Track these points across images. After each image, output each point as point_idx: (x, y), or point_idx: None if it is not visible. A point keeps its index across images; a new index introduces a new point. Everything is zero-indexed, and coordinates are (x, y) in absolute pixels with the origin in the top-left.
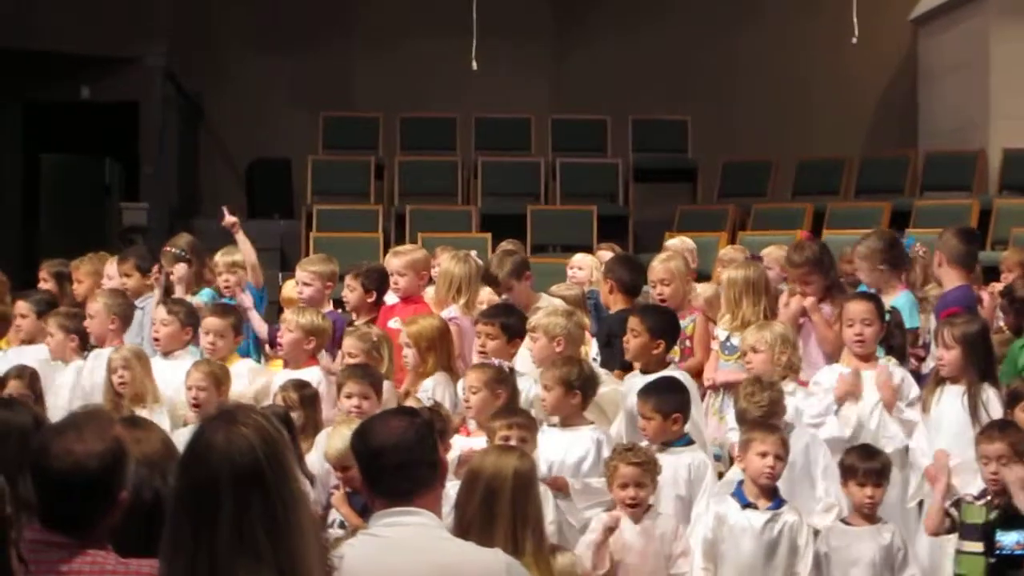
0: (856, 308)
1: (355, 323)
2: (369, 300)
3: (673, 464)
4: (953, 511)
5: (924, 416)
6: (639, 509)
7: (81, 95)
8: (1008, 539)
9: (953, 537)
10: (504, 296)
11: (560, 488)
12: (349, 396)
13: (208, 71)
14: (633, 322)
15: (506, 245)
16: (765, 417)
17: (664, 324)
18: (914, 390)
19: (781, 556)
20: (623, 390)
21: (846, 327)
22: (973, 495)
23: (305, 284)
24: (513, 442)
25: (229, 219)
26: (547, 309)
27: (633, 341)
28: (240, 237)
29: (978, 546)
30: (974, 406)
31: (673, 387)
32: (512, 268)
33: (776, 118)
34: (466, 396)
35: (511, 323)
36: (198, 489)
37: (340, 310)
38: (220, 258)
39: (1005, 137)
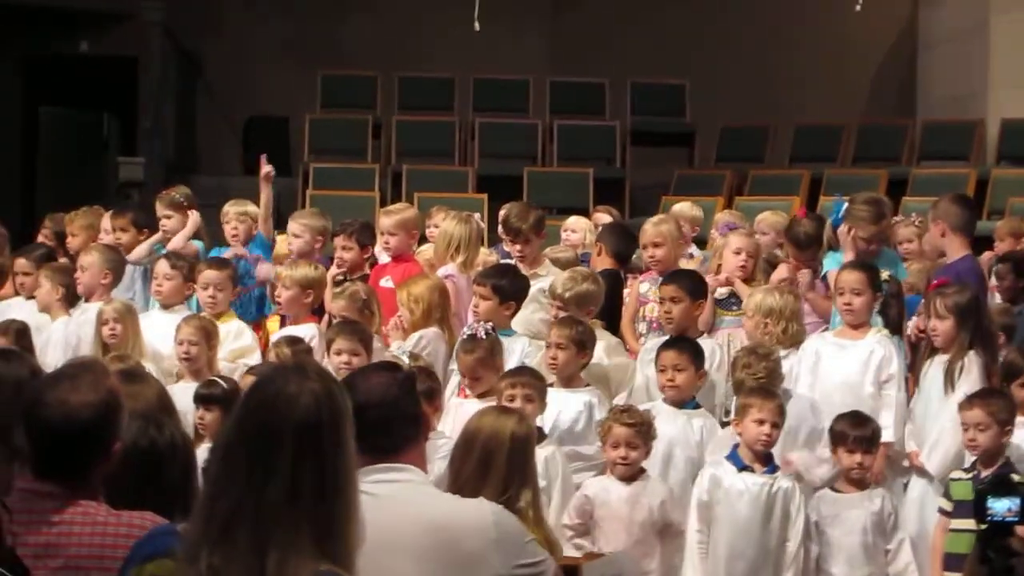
0: (846, 277)
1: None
2: (365, 256)
3: (684, 426)
4: (945, 503)
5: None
6: (629, 469)
7: (80, 49)
8: (999, 505)
9: (939, 502)
10: (519, 249)
11: None
12: (339, 353)
13: (207, 27)
14: (669, 290)
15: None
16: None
17: (700, 285)
18: (894, 366)
19: (776, 520)
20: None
21: (836, 295)
22: (962, 469)
23: (295, 236)
24: (518, 402)
25: (266, 168)
26: (572, 277)
27: (676, 308)
28: (266, 188)
29: (970, 523)
30: (950, 375)
31: (699, 346)
32: (536, 221)
33: (775, 84)
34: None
35: (504, 285)
36: (260, 434)
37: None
38: (231, 207)
39: (1004, 107)
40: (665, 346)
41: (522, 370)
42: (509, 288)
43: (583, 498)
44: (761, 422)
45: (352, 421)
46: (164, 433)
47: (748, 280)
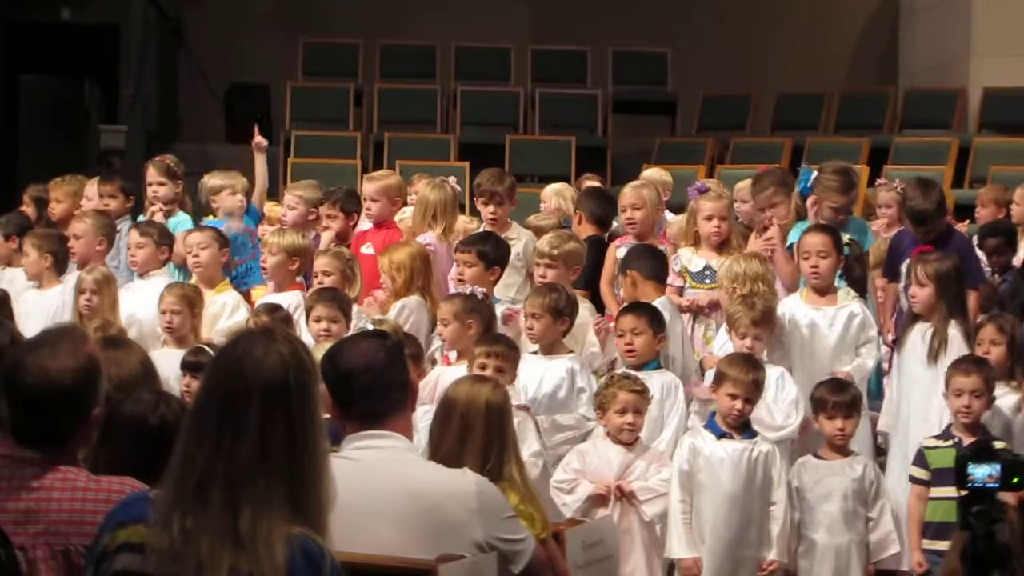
0: (811, 240)
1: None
2: (351, 224)
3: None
4: (920, 471)
5: (896, 353)
6: (634, 435)
7: (61, 16)
8: (980, 472)
9: (912, 471)
10: (492, 210)
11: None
12: (318, 320)
13: None
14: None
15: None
16: (759, 319)
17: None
18: (871, 331)
19: (758, 484)
20: None
21: (802, 259)
22: (935, 437)
23: (290, 207)
24: (489, 371)
25: (259, 139)
26: (558, 236)
27: (638, 340)
28: (260, 159)
29: (951, 490)
30: (937, 345)
31: (658, 310)
32: (510, 185)
33: (757, 52)
34: (439, 329)
35: (488, 251)
36: (228, 397)
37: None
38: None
39: (986, 75)
40: (623, 311)
41: (497, 338)
42: (492, 253)
43: (576, 455)
44: (734, 396)
45: (317, 382)
46: (172, 407)
47: (724, 245)
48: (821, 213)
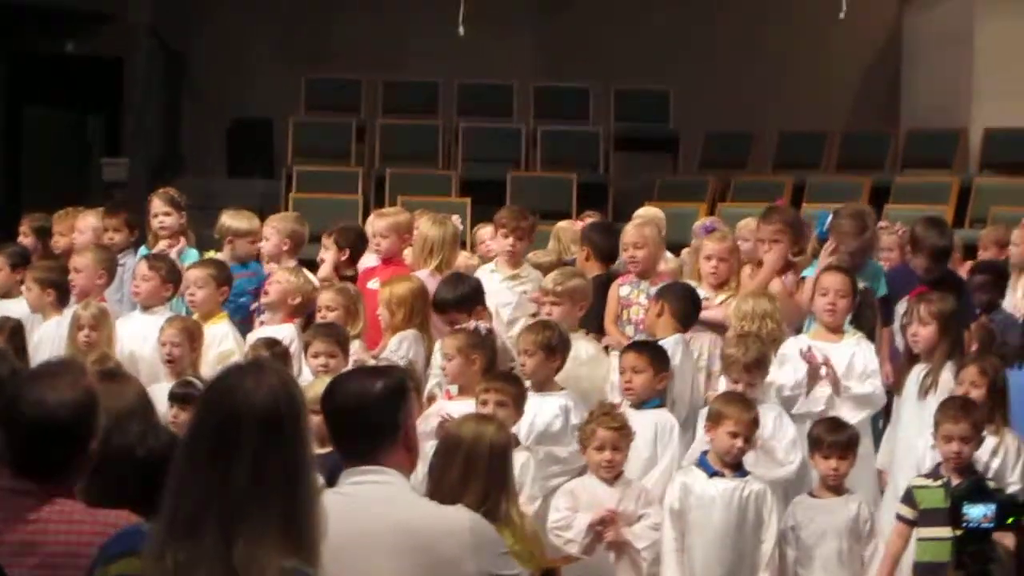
0: (831, 280)
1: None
2: (343, 258)
3: (641, 423)
4: (907, 510)
5: (896, 395)
6: (613, 471)
7: (65, 49)
8: (975, 512)
9: (898, 508)
10: (512, 243)
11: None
12: (316, 355)
13: (193, 29)
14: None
15: None
16: (752, 364)
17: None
18: (872, 364)
19: (749, 524)
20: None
21: (819, 296)
22: (923, 476)
23: (265, 238)
24: (489, 407)
25: None
26: (563, 273)
27: (638, 378)
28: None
29: (942, 531)
30: (929, 384)
31: (663, 349)
32: (533, 224)
33: (759, 91)
34: (442, 363)
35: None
36: (220, 429)
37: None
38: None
39: (987, 116)
40: (627, 348)
41: (500, 375)
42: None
43: (568, 494)
44: (735, 435)
45: (307, 415)
46: (161, 438)
47: (723, 284)
48: (838, 257)
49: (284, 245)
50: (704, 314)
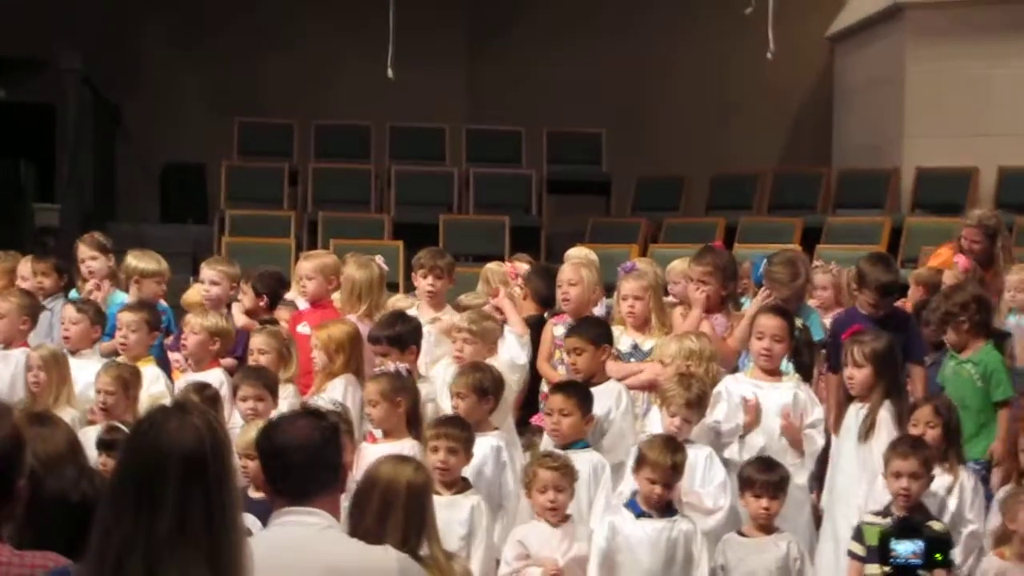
0: (768, 323)
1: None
2: (260, 304)
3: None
4: (857, 547)
5: (834, 434)
6: (558, 513)
7: None
8: (903, 548)
9: (851, 546)
10: (431, 283)
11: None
12: (244, 399)
13: (124, 75)
14: (571, 341)
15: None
16: (694, 401)
17: (602, 330)
18: (817, 412)
19: (678, 565)
20: None
21: (755, 339)
22: (873, 513)
23: (213, 283)
24: (441, 453)
25: None
26: (479, 313)
27: (580, 358)
28: None
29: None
30: (867, 427)
31: (589, 392)
32: (449, 263)
33: (692, 133)
34: (367, 409)
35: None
36: (144, 471)
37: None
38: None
39: (919, 156)
40: (553, 389)
41: (448, 420)
42: (406, 335)
43: (517, 544)
44: (652, 481)
45: (232, 456)
46: (95, 483)
47: (642, 325)
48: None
49: (232, 290)
50: (630, 381)
